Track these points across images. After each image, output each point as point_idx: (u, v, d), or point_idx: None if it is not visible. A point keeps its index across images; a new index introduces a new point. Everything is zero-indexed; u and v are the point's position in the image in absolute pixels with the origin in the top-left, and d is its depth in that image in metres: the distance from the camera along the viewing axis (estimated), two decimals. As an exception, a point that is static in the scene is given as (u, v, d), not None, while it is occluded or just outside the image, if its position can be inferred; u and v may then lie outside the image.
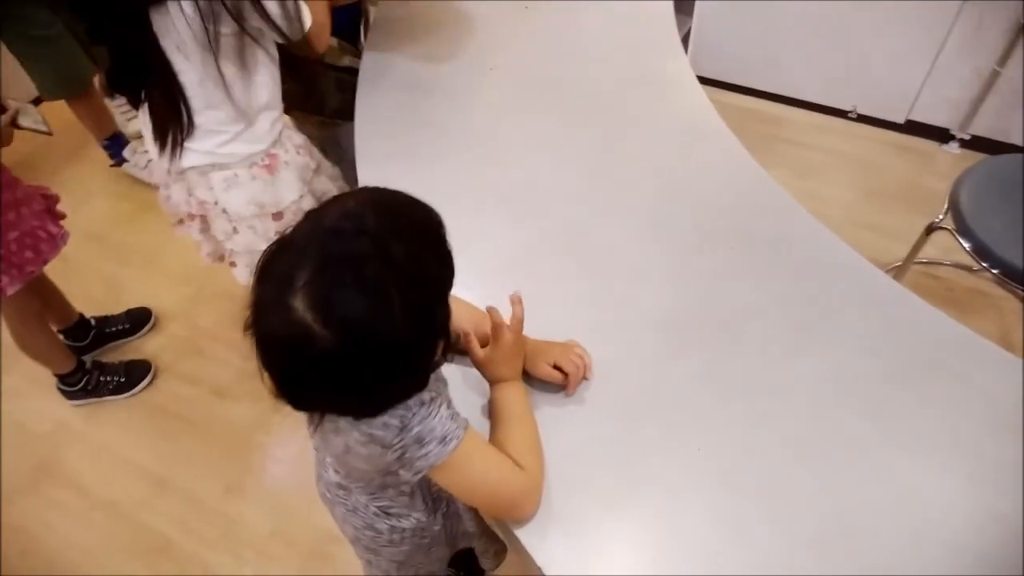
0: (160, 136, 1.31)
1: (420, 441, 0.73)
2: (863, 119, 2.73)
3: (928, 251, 1.94)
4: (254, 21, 1.20)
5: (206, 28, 1.15)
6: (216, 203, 1.39)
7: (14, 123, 1.51)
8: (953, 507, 0.83)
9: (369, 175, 1.31)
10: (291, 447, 1.92)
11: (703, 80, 1.47)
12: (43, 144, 2.79)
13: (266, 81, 1.31)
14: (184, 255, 2.45)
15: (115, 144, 2.63)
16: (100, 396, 2.05)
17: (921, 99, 2.56)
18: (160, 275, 2.40)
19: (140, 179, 2.68)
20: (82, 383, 2.02)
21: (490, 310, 0.90)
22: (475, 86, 1.50)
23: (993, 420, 0.90)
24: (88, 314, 2.15)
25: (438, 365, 0.77)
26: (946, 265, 2.20)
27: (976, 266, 1.59)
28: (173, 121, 1.28)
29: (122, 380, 2.07)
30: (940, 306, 1.02)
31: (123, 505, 1.85)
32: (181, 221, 1.56)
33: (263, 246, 0.68)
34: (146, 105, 1.30)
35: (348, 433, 0.74)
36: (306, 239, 0.65)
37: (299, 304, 0.61)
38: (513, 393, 0.91)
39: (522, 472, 0.82)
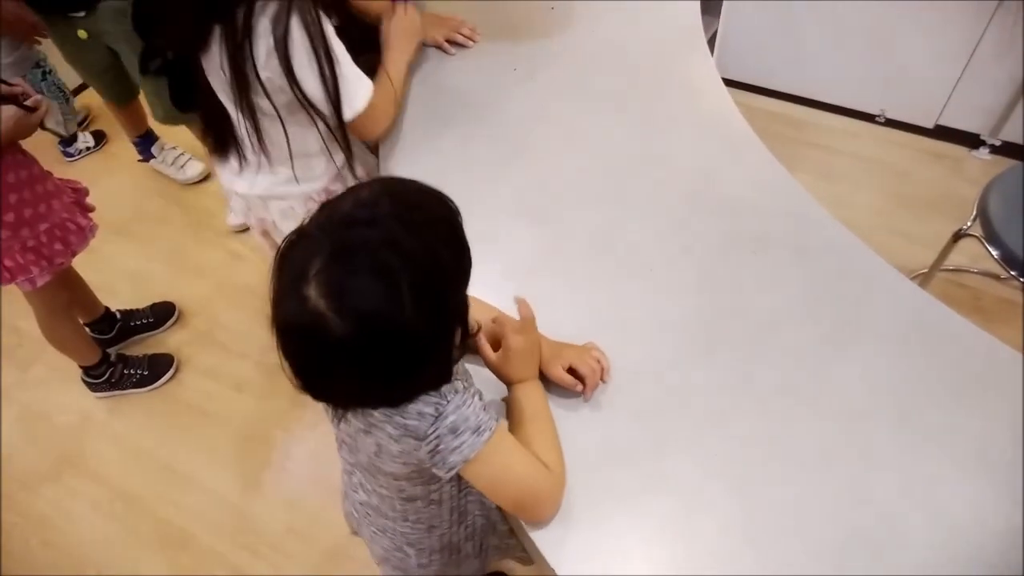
0: (219, 158, 1.32)
1: (455, 431, 0.73)
2: (891, 123, 2.69)
3: (955, 258, 1.90)
4: (283, 97, 1.14)
5: (237, 94, 1.13)
6: (274, 223, 1.40)
7: (41, 124, 1.53)
8: (981, 518, 0.81)
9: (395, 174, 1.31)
10: (309, 443, 1.93)
11: (729, 83, 1.46)
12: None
13: (317, 135, 1.24)
14: (207, 251, 2.48)
15: (145, 141, 2.66)
16: (123, 389, 2.08)
17: (951, 104, 2.52)
18: (183, 270, 2.43)
19: (167, 175, 2.71)
20: (106, 375, 2.04)
21: (518, 301, 0.90)
22: (499, 87, 1.49)
23: (1020, 431, 0.88)
24: (113, 308, 2.18)
25: (459, 356, 0.77)
26: (973, 273, 2.16)
27: (1004, 274, 1.56)
28: (227, 150, 1.29)
29: (145, 373, 2.09)
30: (967, 315, 1.00)
31: (143, 498, 1.87)
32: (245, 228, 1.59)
33: None
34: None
35: (381, 428, 0.74)
36: (320, 229, 0.66)
37: (313, 292, 0.62)
38: (531, 393, 0.90)
39: (548, 471, 0.82)
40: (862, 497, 0.84)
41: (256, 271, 2.37)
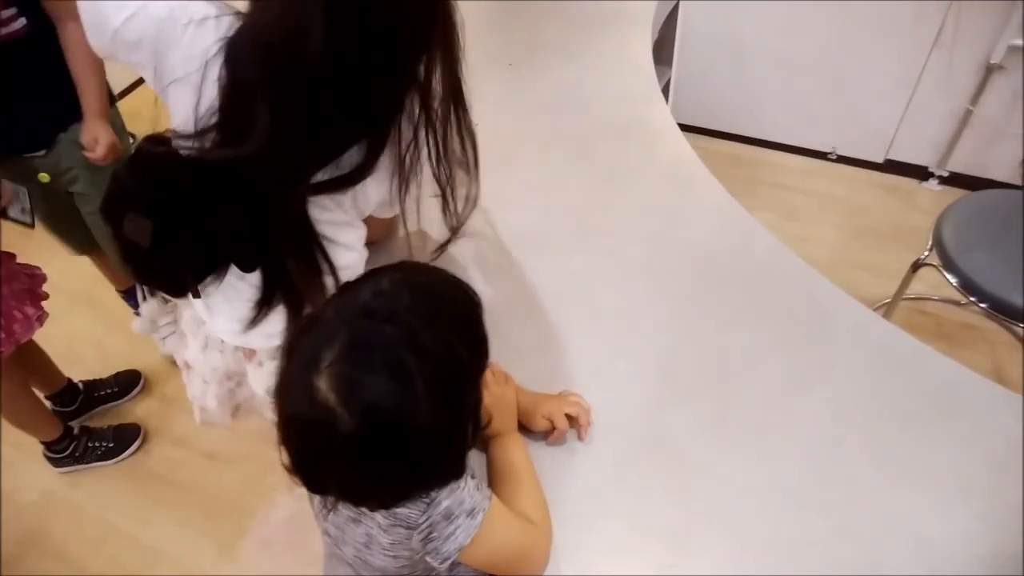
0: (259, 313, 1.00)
1: (449, 516, 0.70)
2: (843, 160, 2.78)
3: (916, 287, 1.95)
4: None
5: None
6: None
7: (2, 213, 1.50)
8: (962, 546, 0.81)
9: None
10: (285, 509, 1.87)
11: (685, 128, 1.50)
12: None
13: None
14: (174, 316, 2.44)
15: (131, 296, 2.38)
16: (88, 462, 2.01)
17: (899, 138, 2.62)
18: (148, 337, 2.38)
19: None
20: (69, 450, 1.98)
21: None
22: (462, 140, 1.51)
23: (994, 457, 0.89)
24: (79, 378, 2.12)
25: (470, 447, 0.74)
26: (935, 300, 2.22)
27: (964, 300, 1.61)
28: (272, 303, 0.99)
29: (111, 445, 2.03)
30: (931, 341, 1.02)
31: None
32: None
33: None
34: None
35: (371, 517, 0.72)
36: (337, 317, 0.64)
37: (323, 385, 0.60)
38: (511, 447, 0.89)
39: (535, 528, 0.81)
40: (843, 531, 0.84)
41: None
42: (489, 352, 0.71)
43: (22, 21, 1.41)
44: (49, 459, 1.99)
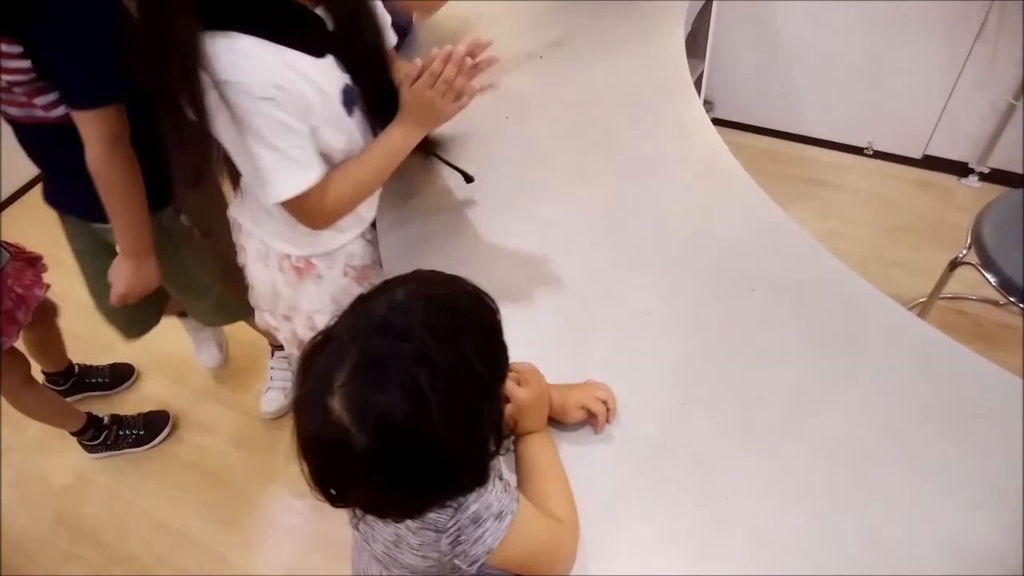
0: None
1: (476, 520, 0.70)
2: (879, 155, 2.72)
3: (953, 286, 1.90)
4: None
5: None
6: (243, 249, 1.34)
7: None
8: (993, 552, 0.79)
9: (386, 229, 1.32)
10: (309, 498, 1.88)
11: (717, 122, 1.48)
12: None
13: None
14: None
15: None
16: (120, 449, 2.05)
17: (938, 134, 2.55)
18: (180, 326, 2.42)
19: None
20: (101, 438, 2.02)
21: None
22: (490, 136, 1.51)
23: (1033, 463, 0.87)
24: (97, 360, 2.19)
25: (494, 456, 0.73)
26: (972, 300, 2.16)
27: (1003, 300, 1.56)
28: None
29: (141, 433, 2.07)
30: (968, 342, 0.99)
31: (140, 560, 1.83)
32: None
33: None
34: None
35: (397, 524, 0.72)
36: (349, 333, 0.64)
37: (336, 405, 0.60)
38: (541, 445, 0.89)
39: (562, 527, 0.81)
40: (872, 536, 0.82)
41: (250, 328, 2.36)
42: (508, 360, 0.70)
43: (60, 110, 1.27)
44: (83, 446, 2.04)
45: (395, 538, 0.73)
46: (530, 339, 0.90)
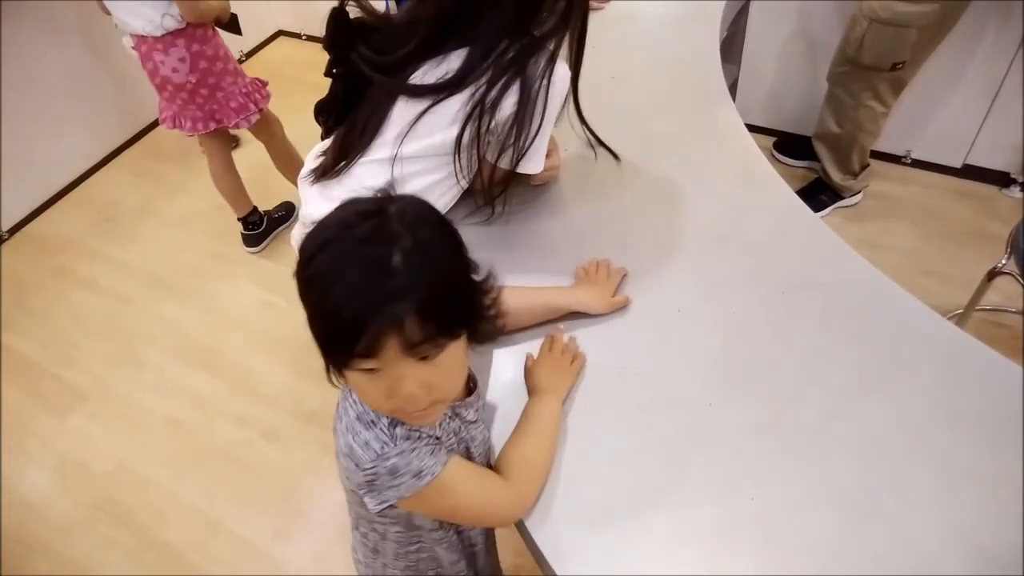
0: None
1: (393, 473, 0.74)
2: (918, 164, 2.68)
3: (991, 297, 1.87)
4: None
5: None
6: None
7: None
8: (1021, 561, 0.78)
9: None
10: (340, 492, 1.92)
11: (752, 128, 1.48)
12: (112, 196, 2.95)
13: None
14: (240, 302, 2.53)
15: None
16: (272, 230, 2.71)
17: (979, 143, 2.51)
18: (218, 319, 2.48)
19: None
20: (262, 223, 2.65)
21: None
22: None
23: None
24: (156, 356, 2.23)
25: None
26: (1011, 312, 2.12)
27: (1044, 313, 1.53)
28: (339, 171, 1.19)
29: (283, 213, 2.76)
30: (1006, 354, 0.98)
31: (175, 546, 1.88)
32: None
33: None
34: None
35: (337, 439, 0.78)
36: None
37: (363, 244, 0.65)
38: (541, 406, 0.94)
39: (507, 486, 0.85)
40: (901, 542, 0.81)
41: (287, 321, 2.41)
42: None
43: None
44: (245, 238, 2.65)
45: (336, 451, 0.79)
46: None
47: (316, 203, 1.21)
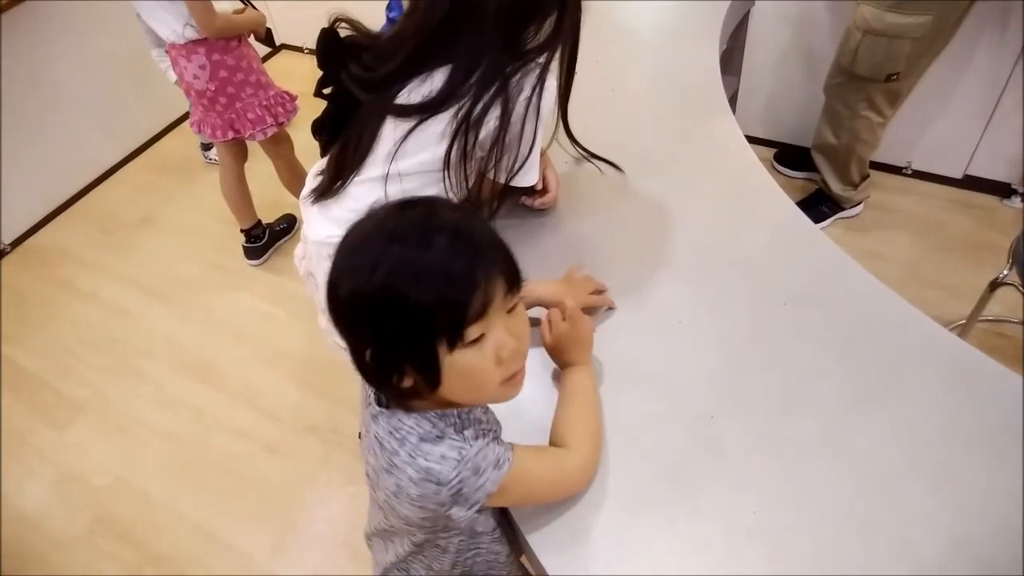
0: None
1: (477, 472, 0.74)
2: (918, 174, 2.68)
3: (993, 308, 1.86)
4: None
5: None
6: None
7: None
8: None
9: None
10: (338, 506, 1.91)
11: (752, 139, 1.48)
12: (116, 205, 2.95)
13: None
14: (240, 315, 2.53)
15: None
16: (274, 243, 2.72)
17: (979, 154, 2.51)
18: (218, 332, 2.48)
19: None
20: (263, 234, 2.65)
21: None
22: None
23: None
24: (153, 371, 2.22)
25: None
26: (1014, 323, 2.11)
27: (1046, 324, 1.53)
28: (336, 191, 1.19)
29: (284, 226, 2.77)
30: (1009, 365, 0.98)
31: (173, 560, 1.86)
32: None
33: None
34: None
35: (402, 471, 0.74)
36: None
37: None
38: (579, 377, 0.97)
39: (568, 454, 0.87)
40: (902, 554, 0.80)
41: (288, 334, 2.41)
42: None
43: None
44: (247, 251, 2.66)
45: (396, 489, 0.75)
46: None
47: (317, 223, 1.22)
